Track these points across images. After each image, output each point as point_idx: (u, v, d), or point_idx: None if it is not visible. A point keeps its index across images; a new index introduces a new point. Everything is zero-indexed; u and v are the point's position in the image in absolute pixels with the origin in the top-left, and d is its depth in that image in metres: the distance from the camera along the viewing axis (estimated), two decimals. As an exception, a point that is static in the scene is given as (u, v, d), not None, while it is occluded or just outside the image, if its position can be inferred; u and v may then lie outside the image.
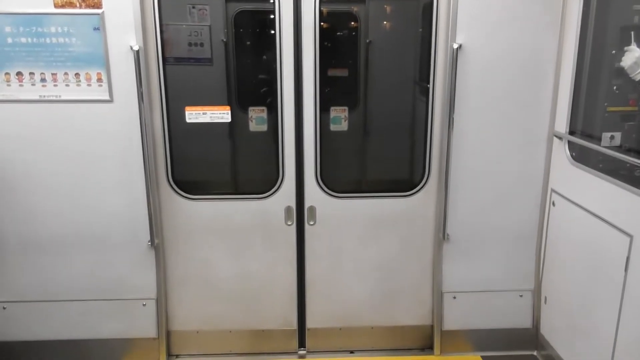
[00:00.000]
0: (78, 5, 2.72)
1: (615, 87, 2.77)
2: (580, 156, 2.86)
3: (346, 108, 3.15)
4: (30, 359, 3.20)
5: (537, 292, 3.28)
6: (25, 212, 3.00)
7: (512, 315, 3.31)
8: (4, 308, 3.14)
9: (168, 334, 3.28)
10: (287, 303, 3.30)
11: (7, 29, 2.73)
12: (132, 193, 3.00)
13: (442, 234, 3.14)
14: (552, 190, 3.07)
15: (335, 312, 3.33)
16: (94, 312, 3.17)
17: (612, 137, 2.68)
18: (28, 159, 2.92)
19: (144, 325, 3.21)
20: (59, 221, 3.03)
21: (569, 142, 2.90)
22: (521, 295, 3.30)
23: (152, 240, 3.05)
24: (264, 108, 3.10)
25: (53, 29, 2.75)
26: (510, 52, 2.89)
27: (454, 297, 3.28)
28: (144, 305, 3.18)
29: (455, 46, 2.84)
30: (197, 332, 3.31)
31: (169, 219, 3.12)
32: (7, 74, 2.79)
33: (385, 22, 3.42)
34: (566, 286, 2.97)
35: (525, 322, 3.33)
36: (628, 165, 2.53)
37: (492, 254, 3.23)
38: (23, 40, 2.75)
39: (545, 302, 3.21)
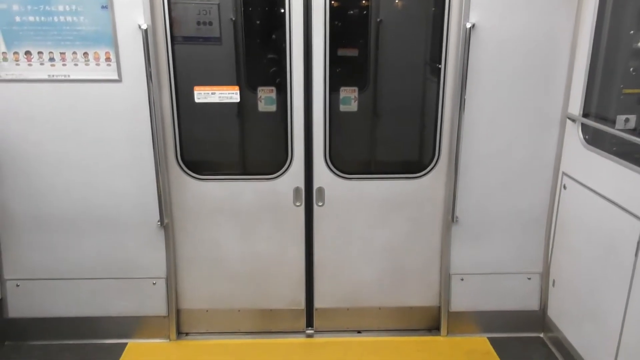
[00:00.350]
0: (85, -18, 2.69)
1: (632, 69, 2.71)
2: (594, 139, 2.82)
3: (356, 88, 3.10)
4: (42, 336, 3.26)
5: (545, 275, 3.27)
6: (35, 192, 3.02)
7: (520, 297, 3.32)
8: (17, 285, 3.19)
9: (178, 312, 3.32)
10: (295, 283, 3.32)
11: (15, 7, 2.70)
12: (141, 173, 3.00)
13: (451, 216, 3.13)
14: (564, 174, 3.03)
15: (343, 293, 3.35)
16: (104, 291, 3.22)
17: (627, 120, 2.64)
18: (37, 138, 2.93)
19: (154, 304, 3.25)
20: (69, 200, 3.05)
21: (583, 125, 2.86)
22: (529, 278, 3.29)
23: (161, 220, 3.07)
24: (273, 88, 3.07)
25: (61, 7, 2.72)
26: (525, 32, 2.83)
27: (462, 279, 3.29)
28: (154, 284, 3.22)
29: (469, 25, 2.78)
30: (207, 310, 3.35)
31: (178, 199, 3.13)
32: (15, 53, 2.78)
33: (396, 1, 3.35)
34: (575, 269, 2.96)
35: (533, 305, 3.33)
36: (642, 148, 2.49)
37: (501, 236, 3.22)
38: (31, 19, 2.73)
39: (553, 285, 3.21)
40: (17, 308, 3.23)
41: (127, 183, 3.03)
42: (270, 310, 3.36)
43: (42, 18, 2.73)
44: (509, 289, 3.31)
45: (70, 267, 3.17)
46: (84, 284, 3.20)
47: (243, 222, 3.19)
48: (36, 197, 3.03)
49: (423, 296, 3.37)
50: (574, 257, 2.96)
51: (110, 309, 3.25)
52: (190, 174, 3.09)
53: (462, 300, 3.33)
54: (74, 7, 2.72)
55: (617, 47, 2.76)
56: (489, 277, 3.29)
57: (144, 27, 2.73)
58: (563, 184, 3.04)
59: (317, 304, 3.36)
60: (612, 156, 2.61)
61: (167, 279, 3.22)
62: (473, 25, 2.79)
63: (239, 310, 3.35)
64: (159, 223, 3.08)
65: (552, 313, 3.25)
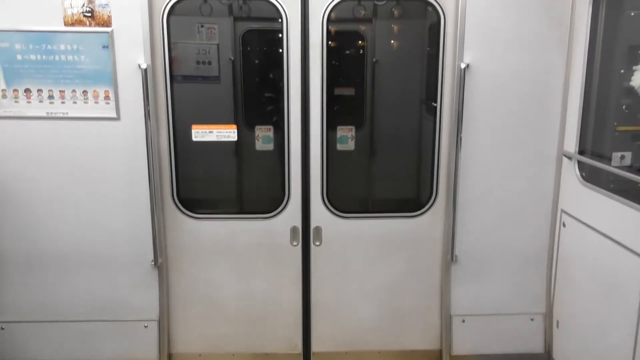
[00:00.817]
0: (88, 23, 2.74)
1: (624, 107, 2.75)
2: (591, 176, 2.83)
3: (353, 127, 3.13)
4: (28, 381, 3.13)
5: (548, 316, 3.19)
6: (29, 229, 2.98)
7: (523, 339, 3.22)
8: (2, 329, 3.08)
9: (169, 356, 3.19)
10: (292, 325, 3.23)
11: (17, 46, 2.75)
12: (136, 211, 2.97)
13: (450, 255, 3.09)
14: (562, 211, 3.02)
15: (342, 336, 3.25)
16: (94, 334, 3.11)
17: (622, 157, 2.65)
18: (34, 175, 2.91)
19: (145, 348, 3.14)
20: (62, 238, 3.00)
21: (579, 162, 2.87)
22: (532, 319, 3.21)
23: (155, 259, 3.00)
24: (271, 127, 3.09)
25: (62, 47, 2.77)
26: (518, 71, 2.89)
27: (463, 321, 3.21)
28: (145, 326, 3.12)
29: (463, 66, 2.84)
30: (200, 355, 3.22)
31: (173, 238, 3.08)
32: (15, 90, 2.80)
33: (391, 41, 3.44)
34: (579, 309, 2.89)
35: (537, 347, 3.24)
36: (639, 185, 2.49)
37: (501, 276, 3.16)
38: (32, 57, 2.77)
39: (557, 326, 3.13)
40: (2, 353, 3.09)
41: (122, 221, 2.99)
42: (266, 355, 3.24)
43: (44, 57, 2.77)
44: (512, 330, 3.22)
45: (59, 308, 3.07)
46: (72, 327, 3.09)
47: (239, 261, 3.13)
48: (28, 235, 2.98)
49: (424, 339, 3.27)
50: (577, 296, 2.90)
51: (99, 354, 3.13)
52: (185, 212, 3.06)
53: (464, 343, 3.23)
54: (75, 47, 2.77)
55: (609, 85, 2.82)
56: (491, 318, 3.21)
57: (144, 66, 2.77)
58: (562, 221, 3.02)
59: (315, 347, 3.25)
60: (609, 193, 2.61)
61: (160, 322, 3.12)
62: (467, 66, 2.85)
63: (233, 354, 3.23)
64: (153, 263, 3.01)
65: (557, 355, 3.14)
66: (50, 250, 3.00)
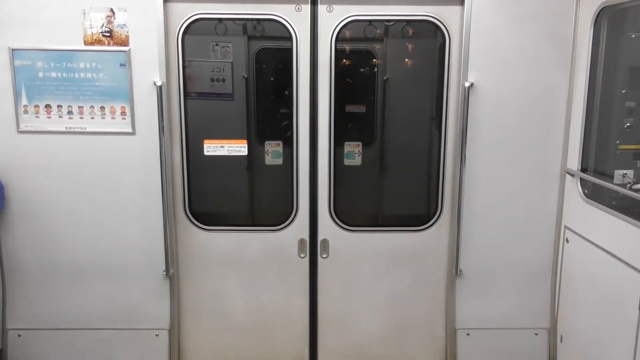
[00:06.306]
0: (107, 42, 2.86)
1: (626, 126, 2.81)
2: (593, 193, 2.88)
3: (360, 143, 3.21)
4: (42, 388, 3.21)
5: (553, 331, 3.23)
6: (46, 239, 3.08)
7: (528, 354, 3.25)
8: (19, 335, 3.17)
9: (179, 365, 3.28)
10: (299, 337, 3.28)
11: (39, 64, 2.88)
12: (149, 223, 3.06)
13: (455, 269, 3.14)
14: (566, 227, 3.07)
15: (348, 347, 3.30)
16: (107, 342, 3.19)
17: (624, 175, 2.70)
18: (53, 187, 3.02)
19: (156, 356, 3.21)
20: (78, 248, 3.09)
21: (581, 179, 2.92)
22: (536, 334, 3.25)
23: (167, 270, 3.09)
24: (280, 142, 3.18)
25: (82, 65, 2.89)
26: (521, 90, 2.96)
27: (468, 334, 3.25)
28: (156, 335, 3.19)
29: (467, 84, 2.91)
30: (208, 364, 3.30)
31: (185, 249, 3.17)
32: (36, 106, 2.92)
33: (402, 60, 3.52)
34: (582, 325, 2.92)
35: (541, 362, 3.27)
36: (641, 202, 2.54)
37: (506, 290, 3.21)
38: (53, 75, 2.89)
39: (561, 341, 3.16)
40: (18, 359, 3.19)
41: (136, 232, 3.08)
42: (273, 366, 3.31)
43: (64, 74, 2.89)
44: (517, 344, 3.25)
45: (74, 316, 3.16)
46: (86, 335, 3.18)
47: (248, 273, 3.20)
48: (47, 246, 3.08)
49: (429, 351, 3.31)
50: (581, 311, 2.94)
51: (112, 361, 3.22)
52: (197, 224, 3.14)
53: (469, 356, 3.26)
54: (94, 65, 2.89)
55: (611, 105, 2.87)
56: (496, 332, 3.24)
57: (159, 83, 2.88)
58: (566, 237, 3.06)
59: (321, 358, 3.30)
60: (611, 210, 2.65)
61: (170, 331, 3.19)
62: (471, 85, 2.93)
63: (241, 364, 3.30)
64: (165, 273, 3.10)
65: (561, 371, 3.18)
66: (66, 259, 3.10)
